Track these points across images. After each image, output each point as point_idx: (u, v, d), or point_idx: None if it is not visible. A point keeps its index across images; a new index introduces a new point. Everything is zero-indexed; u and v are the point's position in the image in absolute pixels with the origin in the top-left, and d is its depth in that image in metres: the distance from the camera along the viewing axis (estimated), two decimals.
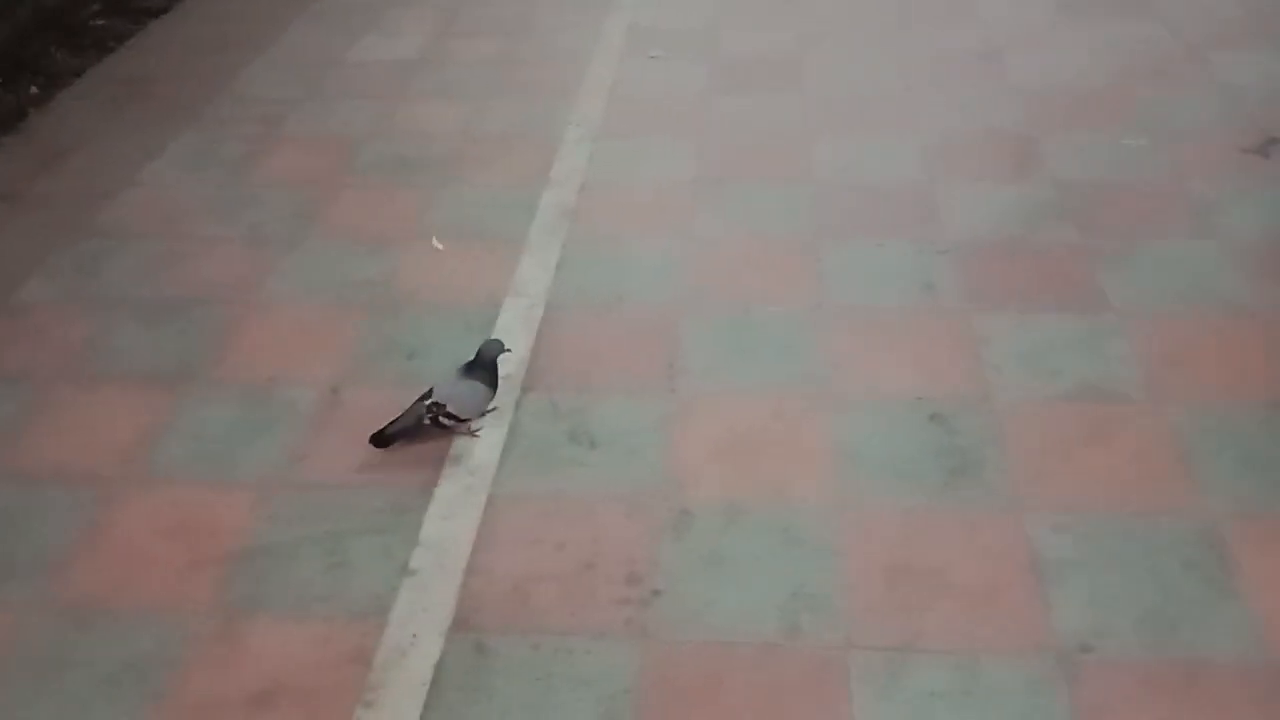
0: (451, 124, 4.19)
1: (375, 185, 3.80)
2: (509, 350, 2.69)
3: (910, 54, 4.54)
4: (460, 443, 2.60)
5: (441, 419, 2.56)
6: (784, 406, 2.69)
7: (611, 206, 3.56)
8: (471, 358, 2.63)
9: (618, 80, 4.46)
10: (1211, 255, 3.11)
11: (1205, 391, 2.62)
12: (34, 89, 4.64)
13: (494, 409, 2.67)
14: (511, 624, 2.16)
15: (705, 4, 5.23)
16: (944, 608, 2.15)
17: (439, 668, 2.07)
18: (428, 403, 2.57)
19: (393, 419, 2.58)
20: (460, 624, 2.17)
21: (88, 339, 3.05)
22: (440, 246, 3.38)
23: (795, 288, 3.11)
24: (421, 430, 2.57)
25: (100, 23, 5.35)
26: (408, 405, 2.58)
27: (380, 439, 2.58)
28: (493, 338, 2.70)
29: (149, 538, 2.42)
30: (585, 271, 3.22)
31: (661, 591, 2.21)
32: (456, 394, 2.58)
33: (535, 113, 4.23)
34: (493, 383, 2.62)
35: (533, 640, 2.12)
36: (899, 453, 2.52)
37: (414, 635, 2.14)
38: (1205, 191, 3.40)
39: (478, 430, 2.64)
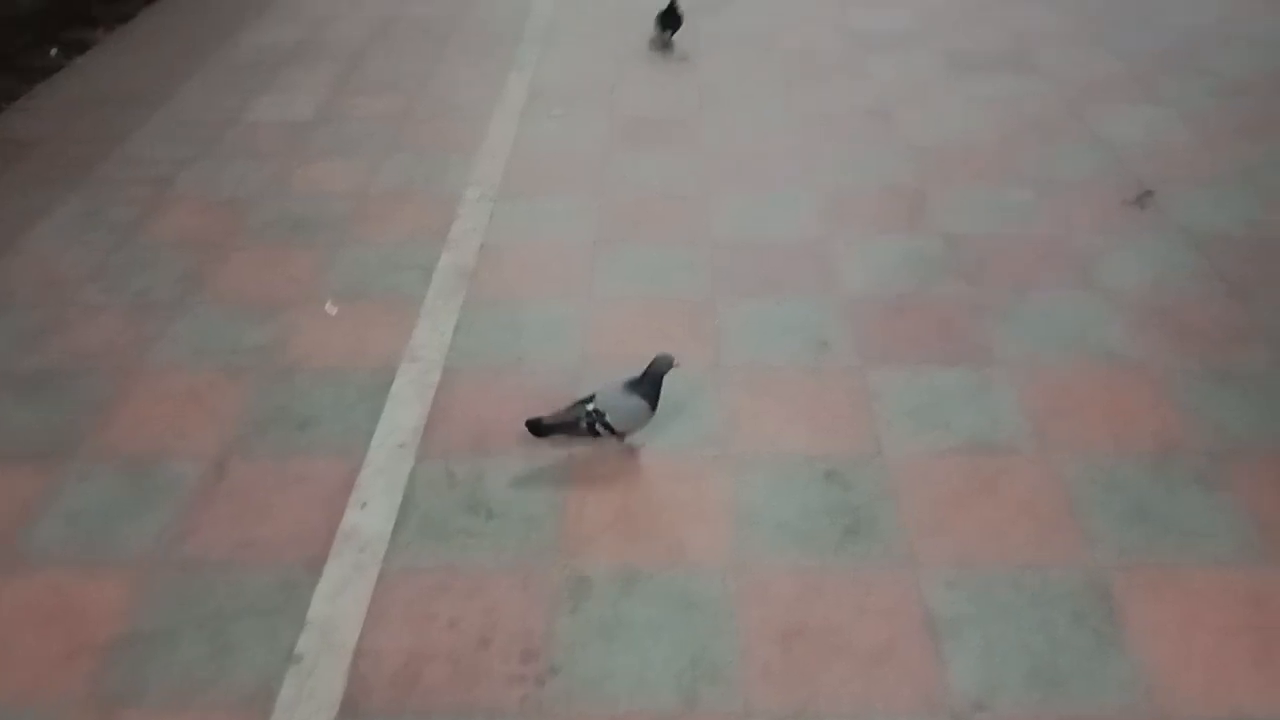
0: (348, 183, 4.14)
1: (268, 247, 3.72)
2: (678, 365, 2.67)
3: (804, 112, 4.64)
4: (351, 517, 2.53)
5: (598, 426, 2.60)
6: (683, 469, 2.68)
7: (510, 267, 3.54)
8: (640, 372, 2.63)
9: (518, 139, 4.46)
10: (1094, 306, 3.21)
11: (1091, 442, 2.69)
12: None
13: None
14: (402, 708, 2.09)
15: (605, 63, 5.29)
16: (840, 670, 2.14)
17: None
18: (589, 407, 2.61)
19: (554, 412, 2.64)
20: (349, 709, 2.09)
21: None
22: (333, 310, 3.31)
23: (693, 347, 3.12)
24: (576, 431, 2.62)
25: None
26: (299, 477, 2.50)
27: (537, 427, 2.64)
28: (664, 353, 2.67)
29: (19, 626, 2.29)
30: (483, 334, 3.19)
31: (558, 666, 2.16)
32: (617, 406, 2.62)
33: (434, 172, 4.20)
34: (654, 400, 2.64)
35: None
36: (796, 512, 2.53)
37: None
38: (1087, 243, 3.52)
39: (639, 445, 2.69)
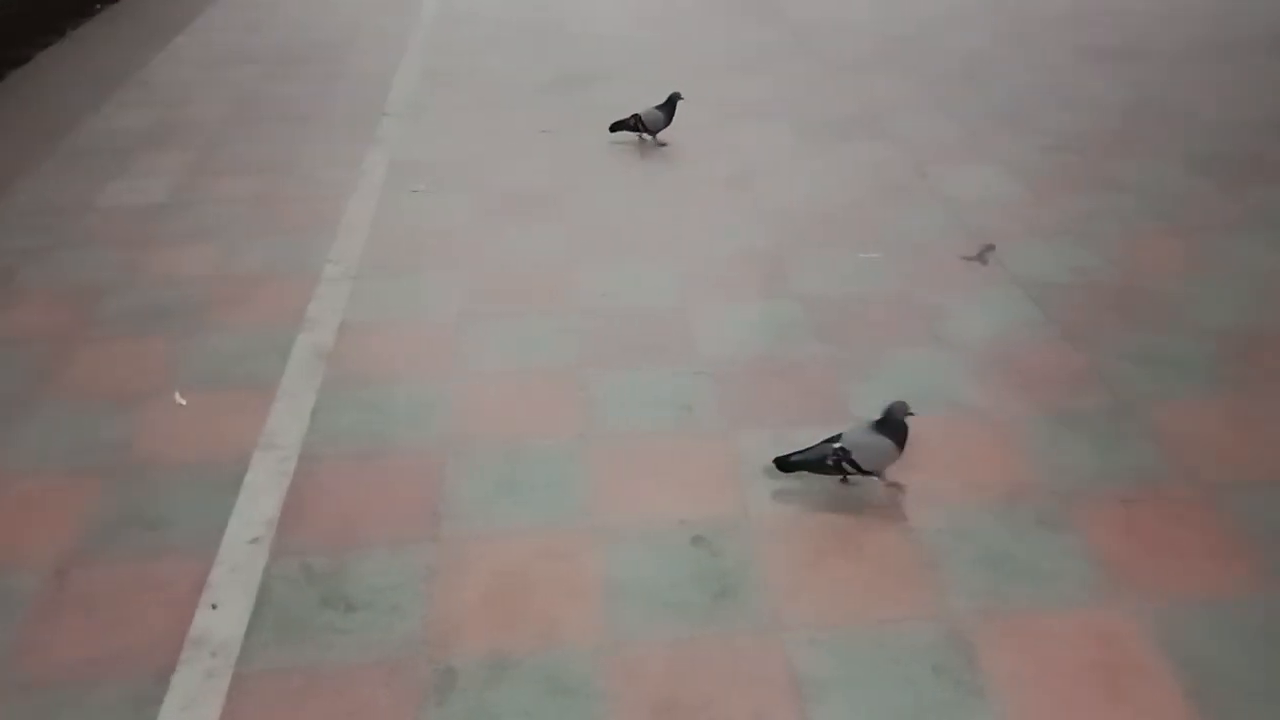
0: (203, 267, 4.03)
1: (119, 338, 3.59)
2: (913, 414, 2.71)
3: (667, 182, 4.74)
4: (201, 621, 2.42)
5: (845, 464, 2.68)
6: (552, 544, 2.66)
7: (372, 346, 3.49)
8: (880, 416, 2.71)
9: (379, 215, 4.43)
10: (942, 360, 3.34)
11: (942, 492, 2.78)
12: None
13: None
14: None
15: (468, 138, 5.32)
16: None
17: None
18: (835, 445, 2.69)
19: (798, 450, 2.74)
20: None
21: None
22: (183, 401, 3.20)
23: (562, 419, 3.12)
24: (823, 469, 2.71)
25: None
26: (148, 582, 2.39)
27: (784, 463, 2.75)
28: (899, 400, 2.72)
29: None
30: (343, 417, 3.12)
31: None
32: (864, 444, 2.68)
33: (292, 252, 4.13)
34: (900, 441, 2.68)
35: None
36: (665, 581, 2.53)
37: None
38: (934, 299, 3.67)
39: (891, 482, 2.76)
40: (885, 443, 2.69)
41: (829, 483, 2.81)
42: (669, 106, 4.96)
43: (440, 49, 6.87)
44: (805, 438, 2.99)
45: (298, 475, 2.88)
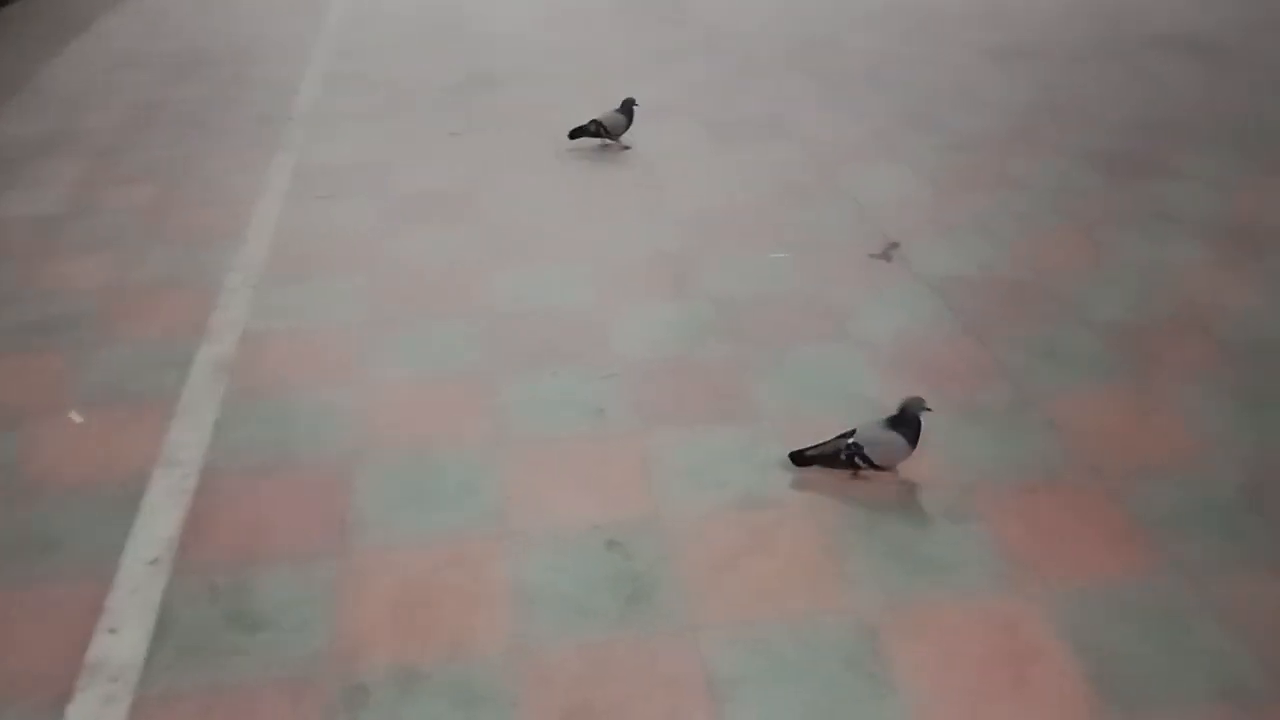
0: (99, 279, 3.90)
1: (11, 354, 3.45)
2: (930, 410, 2.76)
3: (577, 184, 4.73)
4: (99, 645, 2.33)
5: (857, 460, 2.74)
6: (463, 552, 2.62)
7: (276, 356, 3.41)
8: (895, 413, 2.75)
9: (283, 222, 4.34)
10: (850, 357, 3.39)
11: (852, 487, 2.82)
12: None
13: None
14: None
15: (375, 141, 5.24)
16: None
17: None
18: (849, 441, 2.75)
19: (815, 443, 2.80)
20: None
21: None
22: (79, 419, 3.09)
23: (472, 425, 3.09)
24: (836, 464, 2.77)
25: None
26: (43, 607, 2.30)
27: (800, 458, 2.82)
28: (915, 395, 2.78)
29: None
30: (246, 430, 3.04)
31: None
32: (877, 441, 2.74)
33: (193, 261, 4.02)
34: (914, 439, 2.73)
35: None
36: (578, 586, 2.52)
37: None
38: (841, 297, 3.72)
39: (904, 479, 2.80)
40: (898, 439, 2.75)
41: (740, 482, 2.83)
42: (627, 111, 4.96)
43: (346, 53, 6.76)
44: (716, 437, 3.02)
45: (199, 492, 2.80)
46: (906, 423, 2.76)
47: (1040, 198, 4.45)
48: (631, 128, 4.99)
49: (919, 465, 2.86)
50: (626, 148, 5.05)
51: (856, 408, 3.12)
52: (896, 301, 3.69)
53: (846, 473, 2.82)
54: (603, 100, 5.34)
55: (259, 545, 2.63)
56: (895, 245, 4.04)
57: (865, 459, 2.76)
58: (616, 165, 4.92)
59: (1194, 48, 6.32)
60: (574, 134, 4.98)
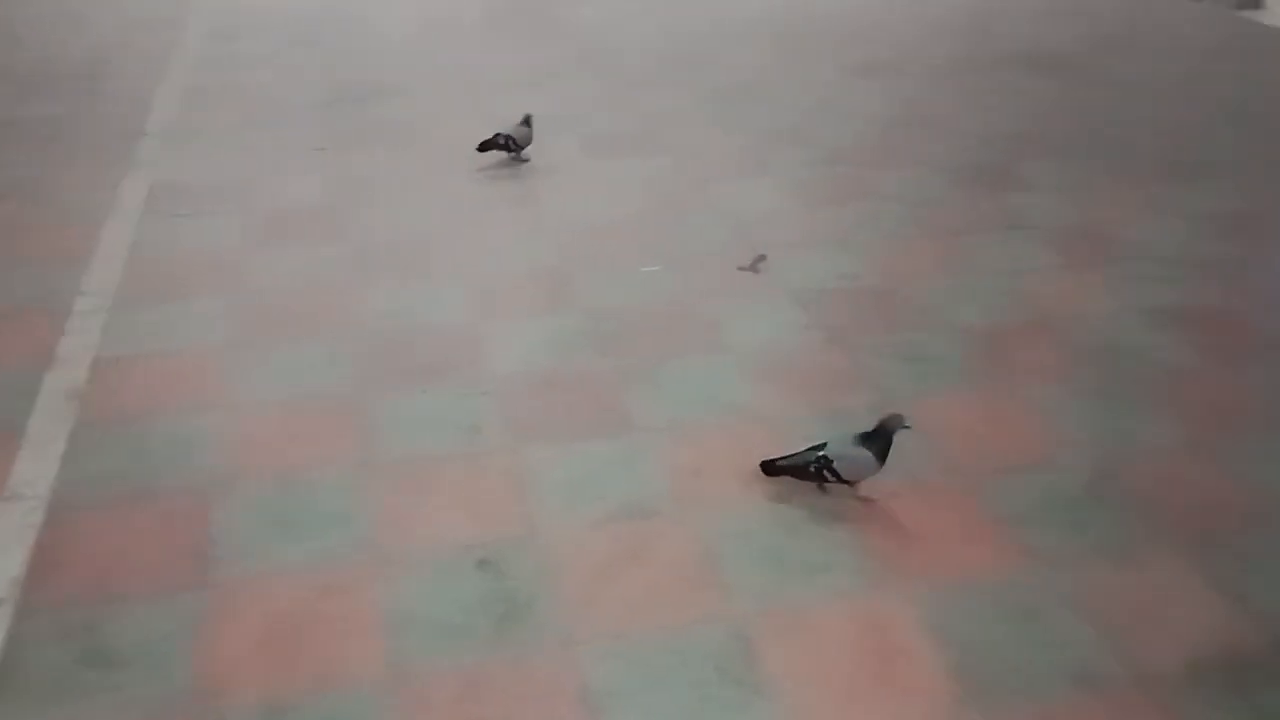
0: None
1: None
2: (909, 427, 2.78)
3: (450, 198, 4.68)
4: None
5: (825, 473, 2.78)
6: (332, 580, 2.56)
7: (130, 383, 3.27)
8: (871, 428, 2.78)
9: (138, 243, 4.17)
10: (722, 366, 3.44)
11: (724, 496, 2.86)
12: None
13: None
14: None
15: (238, 158, 5.08)
16: None
17: None
18: (819, 454, 2.78)
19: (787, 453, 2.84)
20: None
21: None
22: None
23: (340, 447, 3.02)
24: (805, 475, 2.81)
25: None
26: None
27: (770, 467, 2.86)
28: (895, 413, 2.80)
29: None
30: (98, 461, 2.91)
31: None
32: (846, 455, 2.78)
33: (39, 284, 3.83)
34: (883, 455, 2.76)
35: None
36: (452, 608, 2.48)
37: None
38: (713, 309, 3.78)
39: (864, 495, 2.83)
40: (866, 455, 2.77)
41: (617, 495, 2.84)
42: (528, 124, 5.00)
43: (207, 66, 6.54)
44: (593, 450, 3.02)
45: (47, 527, 2.66)
46: (878, 439, 2.80)
47: (901, 209, 4.61)
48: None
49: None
50: (527, 160, 5.05)
51: (729, 416, 3.17)
52: (766, 312, 3.76)
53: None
54: (478, 115, 5.31)
55: (114, 581, 2.51)
56: (763, 257, 4.12)
57: (833, 472, 2.80)
58: (491, 180, 4.89)
59: (1044, 64, 6.65)
60: (482, 148, 4.97)
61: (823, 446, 2.83)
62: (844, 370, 3.42)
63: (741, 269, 4.06)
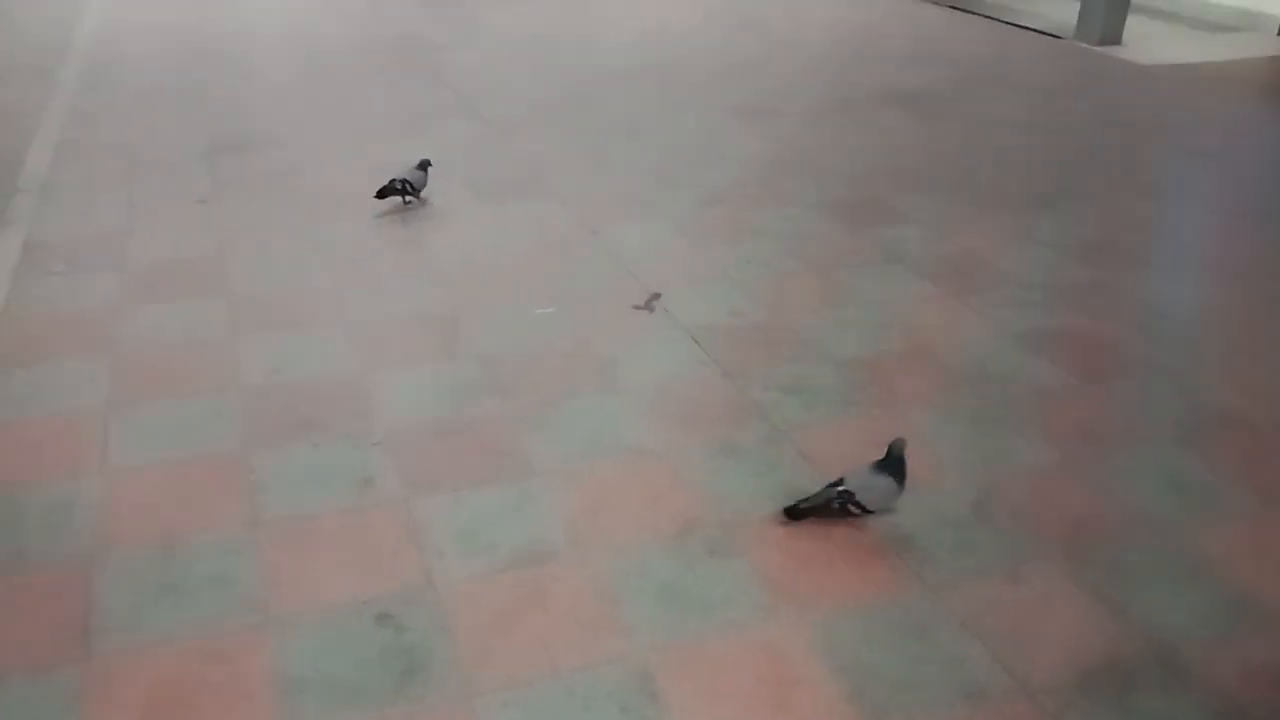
0: None
1: None
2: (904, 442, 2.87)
3: (334, 247, 4.63)
4: None
5: (850, 506, 2.84)
6: (220, 646, 2.48)
7: (3, 450, 3.13)
8: (882, 456, 2.86)
9: (9, 303, 4.01)
10: (617, 406, 3.47)
11: (622, 534, 2.88)
12: None
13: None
14: None
15: (113, 212, 4.94)
16: None
17: None
18: (839, 489, 2.84)
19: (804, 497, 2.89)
20: None
21: None
22: None
23: (225, 509, 2.93)
24: (830, 513, 2.86)
25: None
26: None
27: (794, 512, 2.89)
28: (898, 437, 2.88)
29: None
30: None
31: None
32: (867, 486, 2.85)
33: None
34: (901, 479, 2.84)
35: None
36: (347, 667, 2.43)
37: None
38: (607, 348, 3.81)
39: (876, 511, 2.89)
40: (888, 482, 2.85)
41: (513, 541, 2.83)
42: (424, 169, 5.04)
43: (80, 119, 6.35)
44: (486, 497, 3.01)
45: None
46: (893, 464, 2.86)
47: (783, 245, 4.74)
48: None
49: (686, 506, 2.96)
50: (426, 201, 5.06)
51: (624, 454, 3.20)
52: (659, 350, 3.82)
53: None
54: (362, 161, 5.27)
55: None
56: (657, 296, 4.19)
57: (859, 505, 2.86)
58: (376, 227, 4.85)
59: (913, 104, 6.94)
60: (381, 194, 4.95)
61: (840, 482, 2.89)
62: (736, 404, 3.49)
63: (636, 308, 4.11)
